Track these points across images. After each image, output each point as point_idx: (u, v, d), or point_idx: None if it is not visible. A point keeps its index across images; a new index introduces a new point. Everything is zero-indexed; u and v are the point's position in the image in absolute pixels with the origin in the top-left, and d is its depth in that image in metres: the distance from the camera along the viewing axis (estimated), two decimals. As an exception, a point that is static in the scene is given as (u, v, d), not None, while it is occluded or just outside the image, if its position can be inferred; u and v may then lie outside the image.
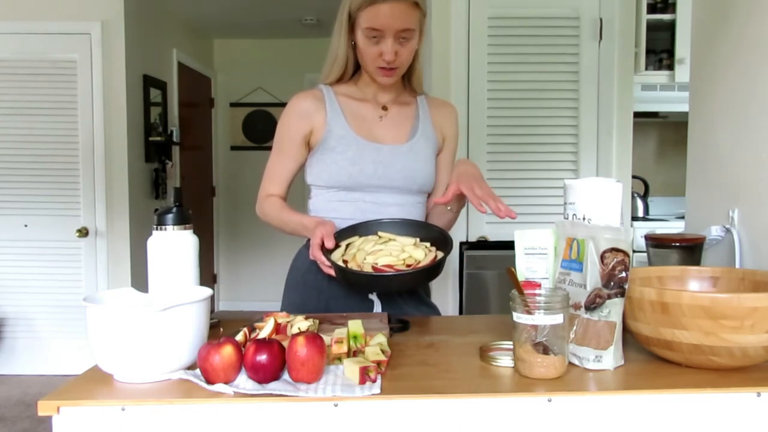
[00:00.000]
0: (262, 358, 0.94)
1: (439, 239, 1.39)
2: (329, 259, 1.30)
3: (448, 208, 1.45)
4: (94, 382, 0.98)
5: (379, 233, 1.41)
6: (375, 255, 1.32)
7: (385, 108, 1.53)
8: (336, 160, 1.46)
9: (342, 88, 1.53)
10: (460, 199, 1.42)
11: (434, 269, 1.30)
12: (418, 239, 1.39)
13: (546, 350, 0.97)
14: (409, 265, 1.29)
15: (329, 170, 1.47)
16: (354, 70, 1.52)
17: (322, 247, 1.32)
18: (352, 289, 1.46)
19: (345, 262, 1.32)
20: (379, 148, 1.48)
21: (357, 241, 1.38)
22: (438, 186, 1.57)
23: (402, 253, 1.32)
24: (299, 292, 1.53)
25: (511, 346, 1.03)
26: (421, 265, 1.29)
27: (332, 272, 1.32)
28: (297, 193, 1.60)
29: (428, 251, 1.35)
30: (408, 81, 1.56)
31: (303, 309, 1.46)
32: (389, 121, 1.52)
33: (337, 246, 1.35)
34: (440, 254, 1.33)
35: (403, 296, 1.51)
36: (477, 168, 1.40)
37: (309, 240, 1.52)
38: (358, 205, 1.48)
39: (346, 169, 1.46)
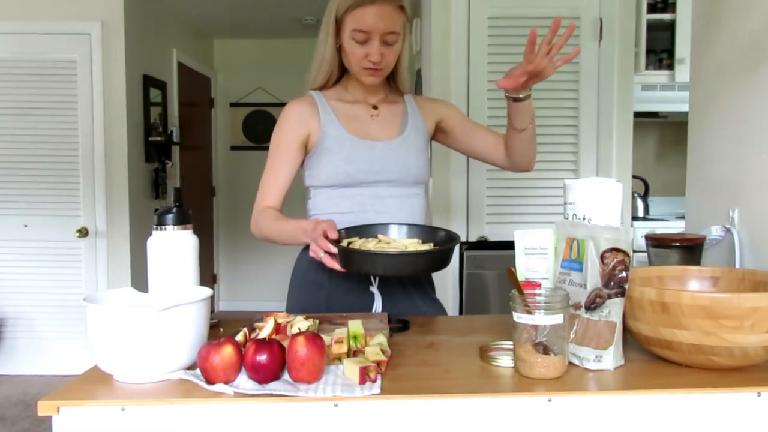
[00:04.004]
0: (262, 358, 0.94)
1: (443, 241, 1.39)
2: (334, 245, 1.26)
3: (520, 128, 1.47)
4: (94, 382, 0.98)
5: (379, 236, 1.41)
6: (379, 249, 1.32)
7: (375, 107, 1.58)
8: (332, 160, 1.49)
9: (331, 93, 1.57)
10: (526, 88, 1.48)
11: (443, 255, 1.30)
12: (419, 240, 1.40)
13: (546, 350, 0.97)
14: None
15: (327, 170, 1.50)
16: (340, 74, 1.57)
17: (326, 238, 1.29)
18: (356, 274, 1.42)
19: None
20: (372, 145, 1.51)
21: (358, 241, 1.39)
22: (479, 139, 1.60)
23: (406, 248, 1.33)
24: (302, 291, 1.56)
25: (511, 346, 1.03)
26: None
27: (335, 264, 1.27)
28: (299, 195, 1.61)
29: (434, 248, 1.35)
30: (393, 81, 1.61)
31: (305, 307, 1.49)
32: (381, 119, 1.57)
33: (339, 241, 1.33)
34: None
35: (407, 289, 1.52)
36: None
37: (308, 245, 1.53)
38: (357, 198, 1.50)
39: (343, 168, 1.49)
